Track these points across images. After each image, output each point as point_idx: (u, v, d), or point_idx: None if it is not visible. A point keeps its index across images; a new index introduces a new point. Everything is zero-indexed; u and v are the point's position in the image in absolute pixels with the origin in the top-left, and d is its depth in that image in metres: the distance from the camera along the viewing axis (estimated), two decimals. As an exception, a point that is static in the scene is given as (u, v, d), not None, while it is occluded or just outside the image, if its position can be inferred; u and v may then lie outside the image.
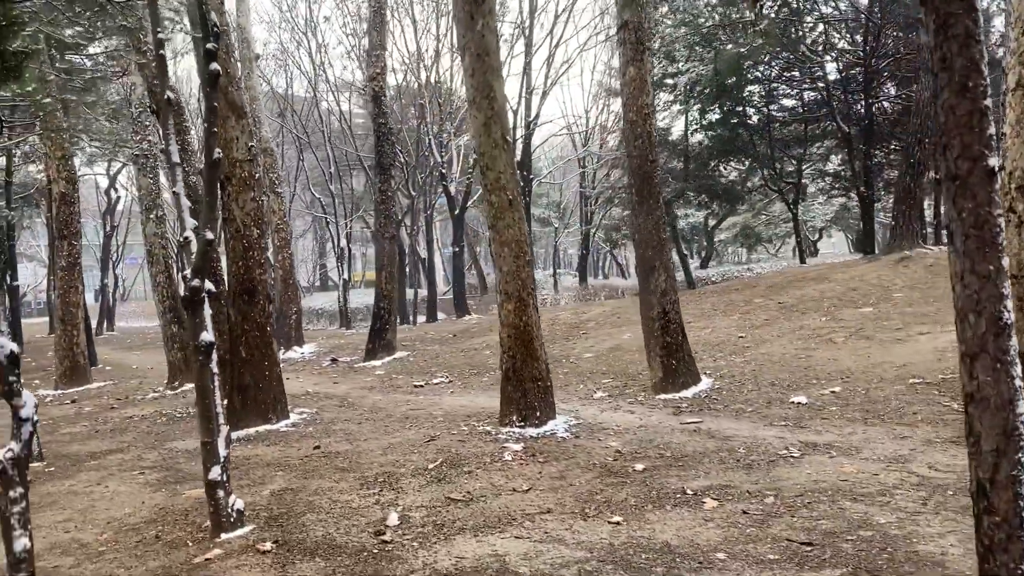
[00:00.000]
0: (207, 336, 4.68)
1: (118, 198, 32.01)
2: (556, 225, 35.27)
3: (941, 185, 2.30)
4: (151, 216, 13.78)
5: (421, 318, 27.31)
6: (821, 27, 18.95)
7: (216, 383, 4.70)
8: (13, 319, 20.60)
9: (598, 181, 30.59)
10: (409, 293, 28.96)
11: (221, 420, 4.71)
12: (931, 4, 2.27)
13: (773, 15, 17.28)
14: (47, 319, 31.02)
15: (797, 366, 9.06)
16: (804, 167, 21.31)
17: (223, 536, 4.57)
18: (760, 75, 20.30)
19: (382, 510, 4.95)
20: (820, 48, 18.94)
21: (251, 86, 16.47)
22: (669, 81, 20.21)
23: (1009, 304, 2.25)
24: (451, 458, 6.14)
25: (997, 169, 2.22)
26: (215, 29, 4.59)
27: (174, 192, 4.99)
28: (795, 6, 18.16)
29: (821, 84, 18.84)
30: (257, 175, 8.88)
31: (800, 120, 20.56)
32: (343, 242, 28.87)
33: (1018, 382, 2.26)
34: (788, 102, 21.62)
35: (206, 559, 4.26)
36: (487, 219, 7.47)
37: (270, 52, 28.82)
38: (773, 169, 20.59)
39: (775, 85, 20.87)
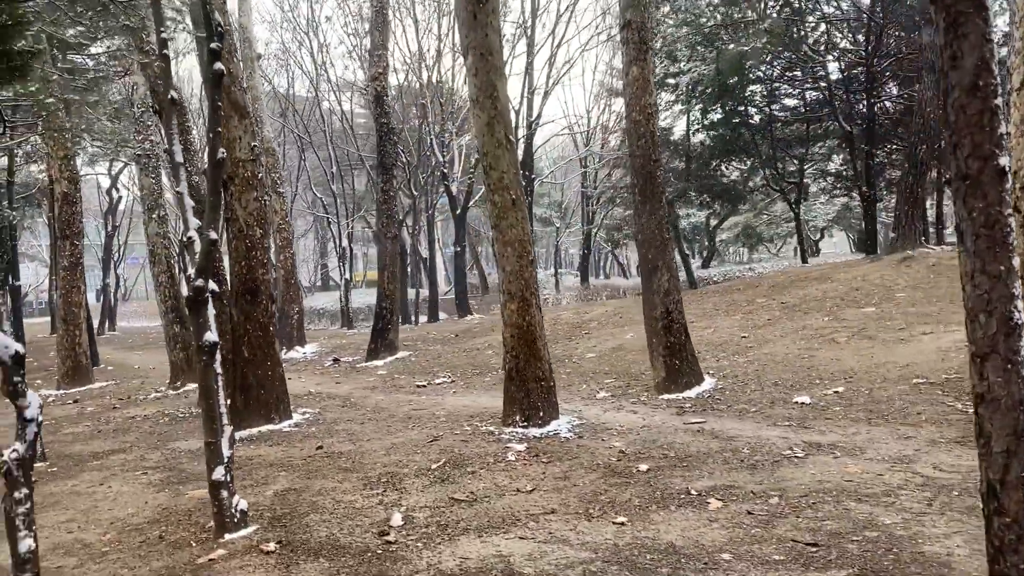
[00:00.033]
0: (211, 336, 4.68)
1: (119, 198, 32.02)
2: (557, 225, 35.27)
3: (951, 184, 2.29)
4: (153, 216, 13.78)
5: (423, 318, 27.31)
6: (823, 27, 18.95)
7: (220, 383, 4.69)
8: (15, 319, 20.59)
9: (600, 181, 30.58)
10: (411, 293, 28.97)
11: (225, 420, 4.70)
12: (941, 3, 2.25)
13: (775, 15, 17.28)
14: (49, 319, 31.03)
15: (800, 366, 9.04)
16: (806, 167, 21.30)
17: (227, 536, 4.57)
18: (762, 75, 20.29)
19: (386, 510, 4.94)
20: (822, 48, 18.94)
21: (253, 86, 16.47)
22: (671, 81, 20.21)
23: (1020, 304, 2.24)
24: (454, 458, 6.13)
25: (1008, 169, 2.20)
26: (219, 29, 4.58)
27: (177, 192, 4.98)
28: (797, 6, 18.16)
29: (823, 84, 18.83)
30: (260, 175, 8.88)
31: (802, 120, 20.56)
32: (345, 242, 28.86)
33: (1028, 382, 2.25)
34: (790, 102, 21.64)
35: (210, 559, 4.26)
36: (490, 219, 7.45)
37: (272, 52, 28.86)
38: (775, 169, 20.58)
39: (777, 85, 20.87)
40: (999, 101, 2.22)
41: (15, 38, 3.10)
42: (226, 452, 4.63)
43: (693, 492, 4.93)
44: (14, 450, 3.09)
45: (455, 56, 25.17)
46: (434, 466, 5.95)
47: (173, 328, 13.29)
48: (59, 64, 10.76)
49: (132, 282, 50.87)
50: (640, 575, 3.72)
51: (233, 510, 4.63)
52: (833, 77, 18.85)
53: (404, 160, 24.26)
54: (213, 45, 4.40)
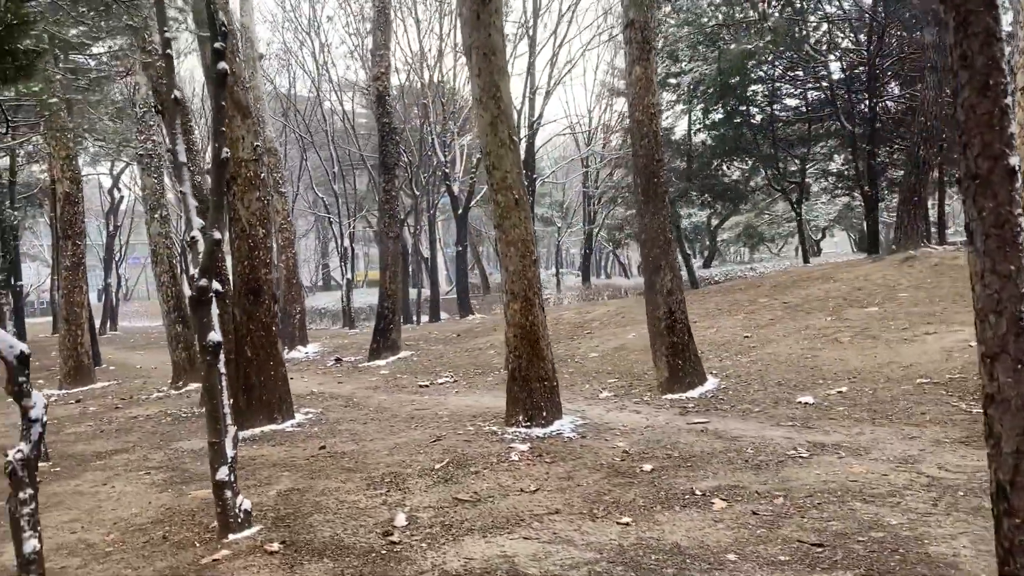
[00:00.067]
0: (215, 336, 4.67)
1: (121, 198, 32.04)
2: (559, 225, 35.26)
3: (961, 184, 2.28)
4: (155, 216, 13.78)
5: (424, 318, 27.30)
6: (825, 26, 18.92)
7: (224, 383, 4.69)
8: (17, 319, 20.60)
9: (601, 181, 30.57)
10: (412, 293, 28.96)
11: (229, 420, 4.70)
12: (951, 2, 2.24)
13: (777, 14, 17.27)
14: (50, 319, 31.04)
15: (803, 366, 9.03)
16: (808, 166, 21.28)
17: (231, 537, 4.56)
18: (764, 74, 20.27)
19: (389, 510, 4.93)
20: (824, 47, 18.92)
21: (255, 86, 16.46)
22: (672, 81, 20.20)
23: (1030, 304, 2.23)
24: (457, 458, 6.12)
25: (1018, 168, 2.19)
26: (223, 28, 4.57)
27: (181, 192, 4.98)
28: (799, 5, 18.15)
29: (825, 83, 18.82)
30: (262, 175, 8.88)
31: (804, 119, 20.53)
32: (346, 242, 28.85)
33: (1039, 383, 2.24)
34: (792, 101, 21.61)
35: (214, 560, 4.25)
36: (493, 218, 7.44)
37: (273, 52, 28.83)
38: (776, 169, 20.55)
39: (779, 84, 20.84)
40: (1009, 100, 2.21)
41: (20, 37, 3.10)
42: (230, 452, 4.63)
43: (697, 492, 4.92)
44: (19, 450, 3.08)
45: (456, 56, 25.18)
46: (437, 466, 5.94)
47: (175, 328, 13.29)
48: (61, 64, 10.77)
49: (133, 282, 50.90)
50: (645, 576, 3.71)
51: (237, 510, 4.62)
52: (835, 77, 18.83)
53: (406, 160, 24.26)
54: (217, 45, 4.40)
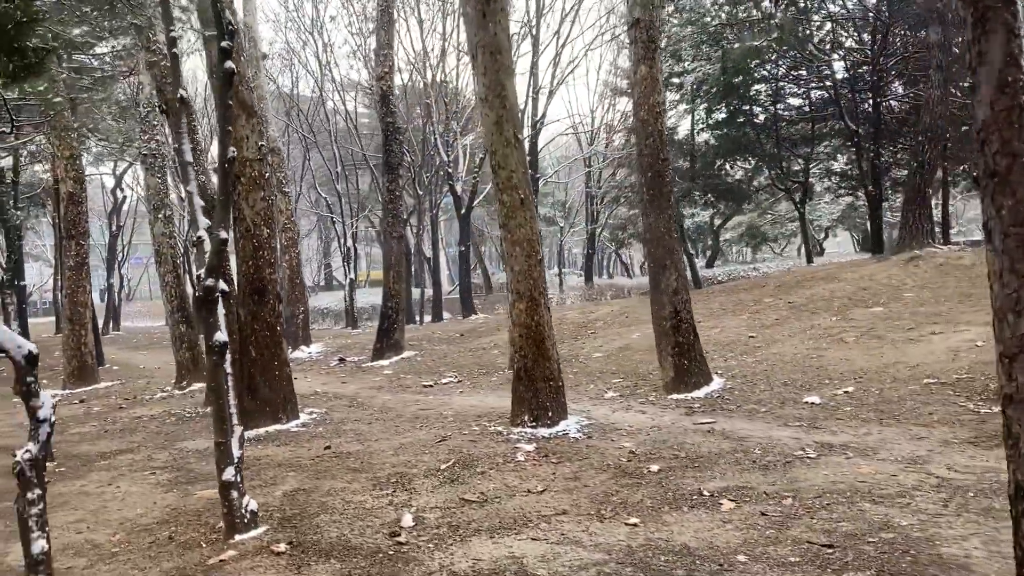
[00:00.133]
0: (221, 336, 4.65)
1: (124, 198, 32.05)
2: (561, 224, 35.24)
3: (979, 182, 2.25)
4: (159, 216, 13.77)
5: (427, 318, 27.29)
6: (829, 25, 18.88)
7: (230, 383, 4.67)
8: (20, 319, 20.62)
9: (604, 180, 30.54)
10: (415, 293, 28.94)
11: (235, 420, 4.68)
12: (969, -2, 2.22)
13: (780, 13, 17.23)
14: (53, 319, 31.07)
15: (809, 366, 9.00)
16: (811, 166, 21.24)
17: (237, 537, 4.54)
18: (767, 74, 20.24)
19: (396, 511, 4.92)
20: (828, 47, 18.88)
21: (258, 85, 16.43)
22: (675, 80, 20.17)
23: (1049, 304, 2.20)
24: (463, 458, 6.10)
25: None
26: (230, 27, 4.55)
27: (187, 191, 4.96)
28: (803, 4, 18.10)
29: (828, 83, 18.78)
30: (267, 174, 8.86)
31: (807, 119, 20.49)
32: (349, 242, 28.85)
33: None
34: (795, 101, 21.57)
35: (220, 560, 4.23)
36: (499, 218, 7.42)
37: (276, 51, 28.82)
38: (780, 168, 20.52)
39: (782, 84, 20.80)
40: (1026, 97, 2.19)
41: (29, 35, 3.08)
42: (236, 452, 4.61)
43: (705, 493, 4.90)
44: (27, 451, 3.06)
45: (459, 56, 25.16)
46: (443, 466, 5.92)
47: (179, 328, 13.28)
48: (65, 64, 10.77)
49: (135, 282, 50.92)
50: (655, 577, 3.69)
51: (243, 511, 4.61)
52: (839, 76, 18.80)
53: (409, 160, 24.25)
54: (224, 43, 4.38)
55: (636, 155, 9.29)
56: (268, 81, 23.56)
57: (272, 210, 9.02)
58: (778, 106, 20.86)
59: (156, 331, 29.27)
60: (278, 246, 16.70)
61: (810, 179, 21.57)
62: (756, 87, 20.29)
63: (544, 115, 25.12)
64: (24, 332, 20.07)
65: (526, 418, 7.09)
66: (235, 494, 4.57)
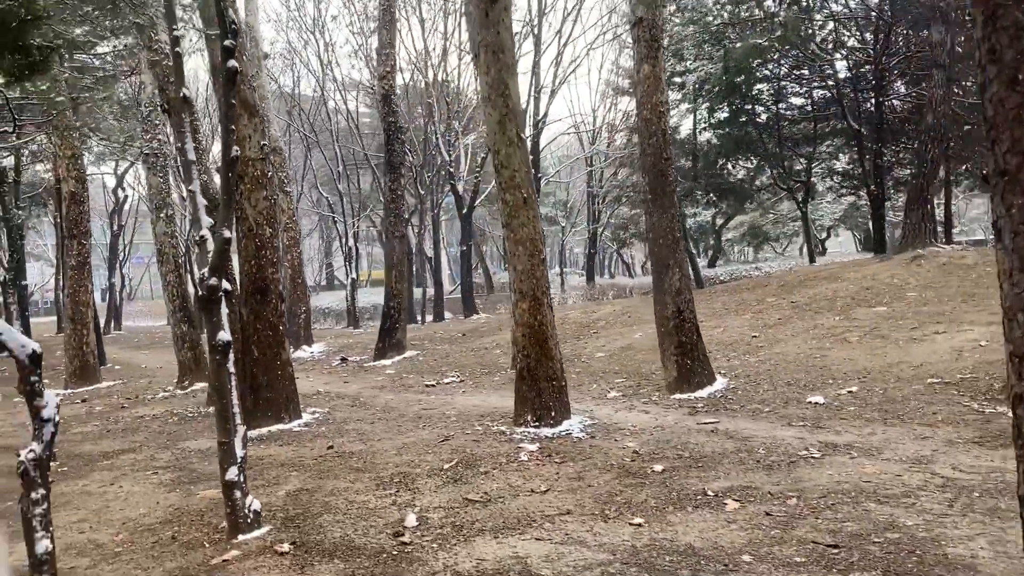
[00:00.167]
0: (224, 335, 4.64)
1: (125, 197, 32.05)
2: (563, 224, 35.23)
3: (989, 180, 2.24)
4: (161, 215, 13.76)
5: (428, 317, 27.28)
6: (831, 25, 18.86)
7: (233, 383, 4.66)
8: (22, 318, 20.63)
9: (605, 180, 30.52)
10: (416, 292, 28.94)
11: (238, 420, 4.67)
12: (979, -5, 2.20)
13: (783, 13, 17.22)
14: (54, 318, 31.09)
15: (813, 366, 8.99)
16: (813, 165, 21.22)
17: (240, 537, 4.53)
18: (769, 73, 20.22)
19: (399, 511, 4.90)
20: (830, 46, 18.86)
21: (260, 85, 16.42)
22: (677, 80, 20.16)
23: (1060, 303, 2.18)
24: (466, 458, 6.09)
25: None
26: (233, 26, 4.54)
27: (190, 190, 4.95)
28: (805, 4, 18.08)
29: (831, 82, 18.76)
30: (269, 173, 8.86)
31: (809, 118, 20.48)
32: (350, 241, 28.84)
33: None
34: (797, 100, 21.57)
35: (224, 560, 4.22)
36: (502, 218, 7.41)
37: (277, 51, 28.81)
38: (782, 167, 20.50)
39: (784, 83, 20.78)
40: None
41: (32, 33, 3.08)
42: (239, 452, 4.60)
43: (710, 493, 4.88)
44: (31, 450, 3.06)
45: (461, 55, 25.16)
46: (446, 466, 5.91)
47: (181, 327, 13.27)
48: (67, 63, 10.76)
49: (137, 282, 50.96)
50: (660, 577, 3.68)
51: (246, 511, 4.60)
52: (841, 75, 18.78)
53: (410, 160, 24.24)
54: (227, 42, 4.37)
55: (639, 154, 9.27)
56: (270, 81, 23.58)
57: (274, 210, 9.01)
58: (780, 105, 20.85)
59: (157, 331, 29.28)
60: (280, 246, 16.71)
61: (812, 178, 21.55)
62: (758, 86, 20.28)
63: (546, 114, 25.12)
64: (26, 331, 20.07)
65: (529, 418, 7.08)
66: (238, 494, 4.56)
